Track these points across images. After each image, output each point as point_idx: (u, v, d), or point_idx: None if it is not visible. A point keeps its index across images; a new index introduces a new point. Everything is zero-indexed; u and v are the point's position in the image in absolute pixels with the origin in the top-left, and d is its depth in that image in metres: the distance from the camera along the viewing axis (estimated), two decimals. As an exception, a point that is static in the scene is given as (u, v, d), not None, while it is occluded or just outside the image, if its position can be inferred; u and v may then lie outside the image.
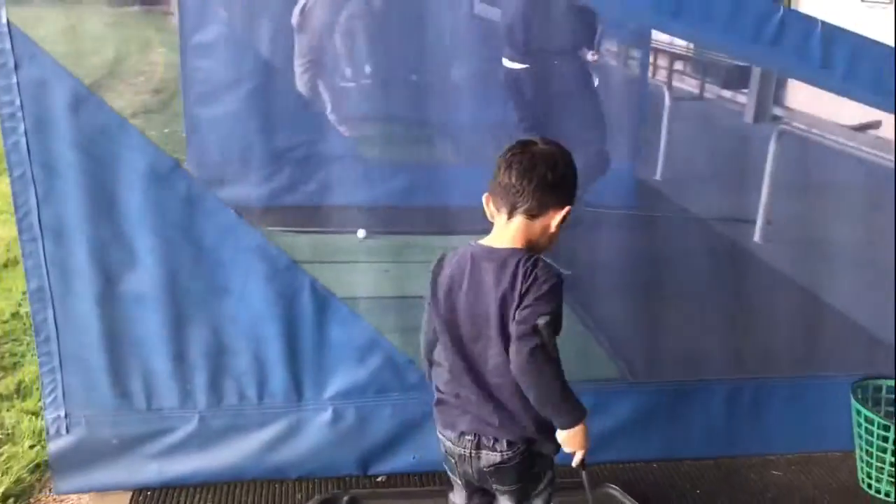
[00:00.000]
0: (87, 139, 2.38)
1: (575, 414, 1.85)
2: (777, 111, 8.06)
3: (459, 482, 2.05)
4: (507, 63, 4.52)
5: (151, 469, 2.71)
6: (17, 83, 2.30)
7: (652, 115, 6.13)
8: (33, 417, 3.20)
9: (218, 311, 2.60)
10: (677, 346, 3.35)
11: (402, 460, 2.83)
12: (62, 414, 2.61)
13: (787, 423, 2.99)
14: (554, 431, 1.90)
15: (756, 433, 2.99)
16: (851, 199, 4.56)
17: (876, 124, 6.46)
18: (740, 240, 4.91)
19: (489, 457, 1.92)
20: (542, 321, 1.78)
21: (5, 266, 4.83)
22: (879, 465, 2.74)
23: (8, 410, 3.28)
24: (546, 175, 1.82)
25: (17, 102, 2.32)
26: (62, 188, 2.41)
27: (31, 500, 2.78)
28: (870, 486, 2.81)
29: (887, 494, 2.77)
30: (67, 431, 2.63)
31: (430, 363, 2.02)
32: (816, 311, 3.70)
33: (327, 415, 2.75)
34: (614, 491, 2.75)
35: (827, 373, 3.06)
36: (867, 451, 2.76)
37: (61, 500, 2.74)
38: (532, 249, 1.86)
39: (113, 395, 2.62)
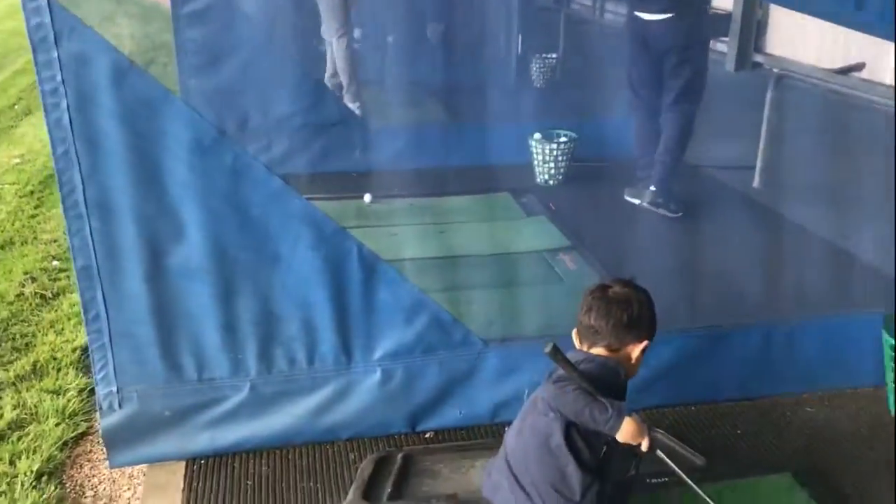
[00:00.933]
0: (131, 112, 2.34)
1: (613, 411, 1.96)
2: (758, 58, 8.10)
3: None
4: (643, 15, 4.45)
5: (204, 438, 2.73)
6: (58, 57, 2.25)
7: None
8: (54, 396, 3.20)
9: (266, 280, 2.61)
10: (704, 293, 3.42)
11: (449, 416, 2.88)
12: (114, 389, 2.61)
13: (819, 362, 3.09)
14: None
15: (790, 373, 3.08)
16: (851, 142, 4.65)
17: (859, 67, 6.53)
18: (740, 186, 4.98)
19: None
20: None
21: (2, 248, 4.76)
22: (912, 396, 2.84)
23: (28, 391, 3.26)
24: (622, 317, 2.07)
25: (59, 78, 2.27)
26: (106, 163, 2.38)
27: (64, 478, 2.80)
28: (902, 417, 2.92)
29: (919, 424, 2.89)
30: (120, 406, 2.64)
31: None
32: (829, 252, 3.80)
33: (376, 376, 2.78)
34: (658, 434, 2.82)
35: (856, 310, 3.15)
36: (900, 383, 2.86)
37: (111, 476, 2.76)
38: None
39: (163, 368, 2.62)
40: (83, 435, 3.12)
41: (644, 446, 2.03)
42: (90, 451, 3.02)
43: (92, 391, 3.45)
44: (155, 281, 2.51)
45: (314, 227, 2.59)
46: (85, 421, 3.20)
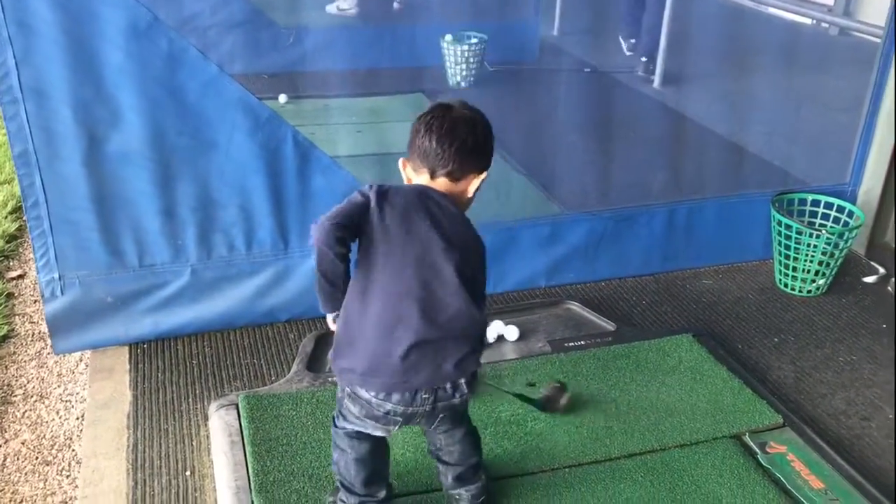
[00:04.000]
0: (64, -5, 2.34)
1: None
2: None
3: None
4: None
5: (147, 323, 2.82)
6: (-14, -63, 2.21)
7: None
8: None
9: (204, 166, 2.67)
10: (613, 181, 3.67)
11: (382, 296, 3.05)
12: (56, 276, 2.66)
13: (714, 239, 3.40)
14: None
15: (688, 250, 3.39)
16: (743, 47, 4.97)
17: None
18: (641, 87, 5.24)
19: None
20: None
21: None
22: (794, 266, 3.19)
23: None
24: (468, 140, 1.80)
25: (-13, -41, 2.24)
26: (40, 47, 2.37)
27: None
28: (785, 284, 3.28)
29: (800, 290, 3.25)
30: (62, 293, 2.68)
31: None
32: (723, 144, 4.12)
33: (313, 260, 2.90)
34: (574, 306, 3.09)
35: (747, 192, 3.46)
36: (785, 255, 3.20)
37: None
38: None
39: (105, 254, 2.68)
40: (4, 338, 3.15)
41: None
42: (14, 353, 3.07)
43: (10, 295, 3.47)
44: (94, 166, 2.54)
45: (250, 114, 2.65)
46: (6, 324, 3.23)
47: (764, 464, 2.28)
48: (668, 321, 3.08)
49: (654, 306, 3.18)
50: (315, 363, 2.72)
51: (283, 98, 4.57)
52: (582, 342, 2.83)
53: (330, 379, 2.59)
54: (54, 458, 2.53)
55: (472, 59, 4.91)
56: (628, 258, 3.35)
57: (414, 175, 1.86)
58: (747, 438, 2.37)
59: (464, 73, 4.92)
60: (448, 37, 4.96)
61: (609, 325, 2.96)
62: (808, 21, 5.95)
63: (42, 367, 2.98)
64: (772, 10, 5.85)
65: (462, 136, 1.80)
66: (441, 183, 1.83)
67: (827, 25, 6.07)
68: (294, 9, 5.37)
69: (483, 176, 1.86)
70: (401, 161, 1.89)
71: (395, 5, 5.27)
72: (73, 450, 2.55)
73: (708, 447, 2.33)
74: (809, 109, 4.56)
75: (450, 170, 1.80)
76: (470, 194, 1.86)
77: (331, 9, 5.33)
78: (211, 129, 2.63)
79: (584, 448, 2.31)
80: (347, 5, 5.29)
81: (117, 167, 2.58)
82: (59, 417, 2.71)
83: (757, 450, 2.32)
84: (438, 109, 1.84)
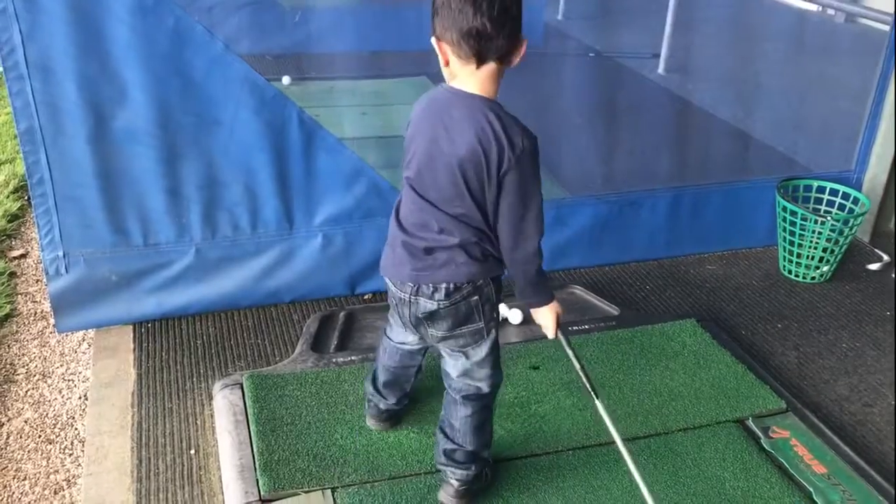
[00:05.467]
0: (70, -30, 2.32)
1: (547, 294, 1.90)
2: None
3: None
4: None
5: (150, 302, 2.82)
6: (-6, -88, 2.19)
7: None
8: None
9: (209, 144, 2.66)
10: (617, 165, 3.66)
11: (386, 279, 3.05)
12: (60, 254, 2.65)
13: (718, 225, 3.40)
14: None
15: (693, 235, 3.38)
16: (749, 32, 4.95)
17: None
18: (646, 72, 5.22)
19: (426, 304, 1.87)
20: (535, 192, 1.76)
21: None
22: (798, 252, 3.19)
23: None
24: (513, 6, 1.65)
25: (-6, -66, 2.22)
26: (46, 23, 2.35)
27: None
28: (790, 271, 3.27)
29: (804, 277, 3.25)
30: (66, 271, 2.68)
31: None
32: (728, 130, 4.10)
33: (317, 240, 2.91)
34: (578, 290, 3.09)
35: (752, 178, 3.45)
36: (789, 241, 3.20)
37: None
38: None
39: (110, 232, 2.67)
40: (7, 317, 3.16)
41: (549, 335, 1.97)
42: (16, 332, 3.07)
43: (13, 274, 3.46)
44: (99, 144, 2.53)
45: (255, 92, 2.64)
46: (9, 303, 3.23)
47: (767, 448, 2.28)
48: (671, 306, 3.08)
49: (658, 291, 3.18)
50: (319, 343, 2.72)
51: (286, 80, 4.54)
52: (586, 326, 2.83)
53: (334, 360, 2.59)
54: (57, 436, 2.53)
55: (477, 42, 4.87)
56: (632, 243, 3.34)
57: (456, 64, 1.69)
58: (750, 423, 2.37)
59: (469, 56, 4.89)
60: (453, 19, 4.93)
61: (613, 310, 2.96)
62: (813, 7, 5.91)
63: (44, 346, 2.98)
64: (778, -3, 5.81)
65: (507, 5, 1.64)
66: (490, 69, 1.69)
67: (833, 12, 6.04)
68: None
69: (525, 45, 1.71)
70: (444, 67, 1.74)
71: None
72: (76, 429, 2.56)
73: (711, 431, 2.34)
74: (815, 96, 4.53)
75: (498, 53, 1.66)
76: (514, 65, 1.74)
77: None
78: (216, 107, 2.61)
79: (587, 431, 2.31)
80: None
81: (123, 145, 2.57)
82: (62, 396, 2.71)
83: (760, 434, 2.33)
84: None
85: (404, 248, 1.86)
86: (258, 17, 4.72)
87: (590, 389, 1.98)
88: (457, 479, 2.00)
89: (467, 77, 1.72)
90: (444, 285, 1.83)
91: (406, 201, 1.87)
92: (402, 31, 4.73)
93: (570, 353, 1.98)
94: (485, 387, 1.97)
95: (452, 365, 1.98)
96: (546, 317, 1.93)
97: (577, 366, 1.97)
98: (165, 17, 2.46)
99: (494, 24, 1.63)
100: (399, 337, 2.13)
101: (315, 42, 4.62)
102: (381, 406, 2.25)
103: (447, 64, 1.73)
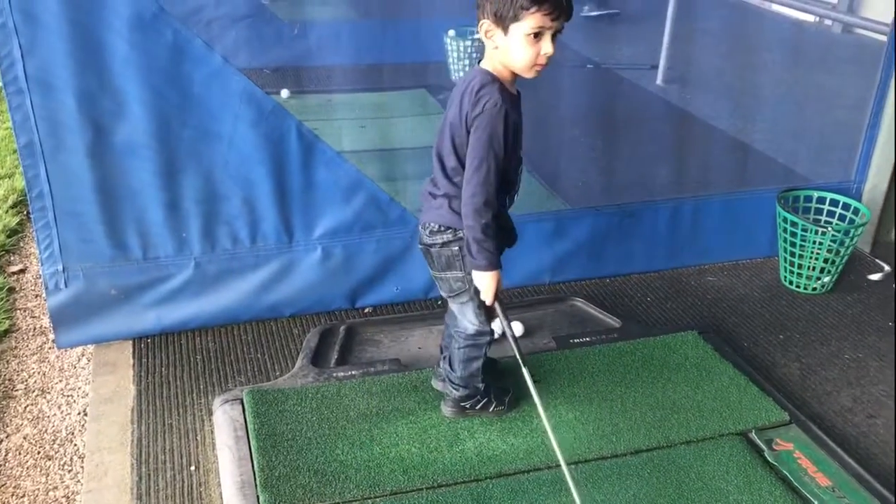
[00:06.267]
0: (69, -15, 2.32)
1: (488, 260, 2.06)
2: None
3: None
4: None
5: (150, 317, 2.81)
6: (-8, -72, 2.20)
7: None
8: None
9: (208, 158, 2.66)
10: (617, 177, 3.66)
11: (386, 291, 3.04)
12: (60, 268, 2.64)
13: (719, 236, 3.39)
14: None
15: (693, 246, 3.38)
16: (746, 43, 4.96)
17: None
18: (644, 83, 5.23)
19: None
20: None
21: None
22: (799, 263, 3.18)
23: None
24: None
25: (-7, -50, 2.22)
26: (45, 38, 2.36)
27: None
28: (791, 282, 3.27)
29: (805, 288, 3.24)
30: (66, 285, 2.67)
31: None
32: (727, 141, 4.10)
33: (317, 253, 2.90)
34: (579, 302, 3.08)
35: (752, 189, 3.45)
36: (790, 252, 3.19)
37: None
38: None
39: (109, 246, 2.67)
40: (6, 333, 3.14)
41: (486, 301, 2.13)
42: (15, 348, 3.06)
43: (11, 290, 3.45)
44: (98, 158, 2.53)
45: (254, 105, 2.64)
46: (7, 319, 3.21)
47: (770, 461, 2.27)
48: (673, 318, 3.07)
49: (660, 303, 3.17)
50: (320, 358, 2.70)
51: (285, 93, 4.54)
52: (587, 339, 2.82)
53: (334, 374, 2.58)
54: (56, 452, 2.51)
55: (475, 55, 4.87)
56: (633, 254, 3.34)
57: (484, 30, 2.01)
58: (753, 435, 2.36)
59: (467, 68, 4.89)
60: (451, 32, 4.94)
61: (614, 322, 2.95)
62: (811, 18, 5.93)
63: (43, 361, 2.97)
64: (775, 7, 5.83)
65: None
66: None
67: (830, 23, 6.06)
68: (297, 3, 5.36)
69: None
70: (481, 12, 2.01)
71: None
72: (75, 444, 2.54)
73: (714, 444, 2.32)
74: (814, 107, 4.53)
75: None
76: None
77: None
78: (215, 120, 2.62)
79: (590, 445, 2.30)
80: None
81: (122, 158, 2.57)
82: (61, 412, 2.69)
83: (763, 447, 2.31)
84: None
85: (423, 194, 2.21)
86: (256, 31, 4.73)
87: (520, 361, 2.14)
88: (450, 397, 2.38)
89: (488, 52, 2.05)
90: (430, 224, 2.16)
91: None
92: (400, 43, 4.75)
93: (504, 323, 2.16)
94: (469, 328, 2.27)
95: (451, 306, 2.32)
96: (485, 281, 2.10)
97: (509, 334, 2.16)
98: (164, 31, 2.46)
99: None
100: None
101: (314, 55, 4.62)
102: (441, 365, 2.44)
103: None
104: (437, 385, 2.48)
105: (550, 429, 2.06)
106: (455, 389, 2.37)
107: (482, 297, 2.13)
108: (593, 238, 3.25)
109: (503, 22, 1.93)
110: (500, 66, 2.02)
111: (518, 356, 2.13)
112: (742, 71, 4.88)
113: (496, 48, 1.99)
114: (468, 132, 2.01)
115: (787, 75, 4.74)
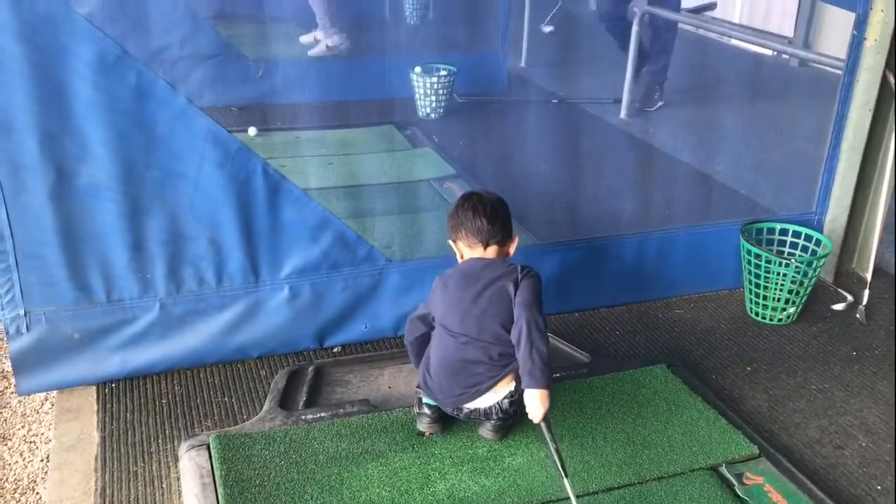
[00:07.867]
0: (31, 29, 2.30)
1: (545, 377, 2.27)
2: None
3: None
4: None
5: (114, 361, 2.76)
6: (-47, -28, 2.18)
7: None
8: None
9: (173, 199, 2.63)
10: (583, 211, 3.69)
11: (355, 330, 3.03)
12: (21, 312, 2.59)
13: (685, 268, 3.42)
14: None
15: (660, 279, 3.40)
16: (707, 76, 5.07)
17: (712, 6, 6.98)
18: (608, 117, 5.30)
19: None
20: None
21: None
22: (764, 294, 3.22)
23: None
24: (506, 213, 2.41)
25: (-47, -7, 2.20)
26: (7, 80, 2.33)
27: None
28: (756, 313, 3.30)
29: (770, 319, 3.27)
30: (28, 330, 2.62)
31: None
32: (690, 174, 4.17)
33: (284, 293, 2.87)
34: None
35: (716, 222, 3.49)
36: (755, 283, 3.23)
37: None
38: None
39: (72, 289, 2.62)
40: (-35, 379, 3.08)
41: (534, 420, 2.24)
42: (-26, 393, 2.99)
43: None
44: (61, 200, 2.50)
45: (219, 146, 2.63)
46: (-34, 365, 3.15)
47: (741, 495, 2.27)
48: (642, 351, 3.08)
49: (628, 336, 3.18)
50: (288, 400, 2.67)
51: (252, 131, 4.54)
52: (557, 374, 2.81)
53: (303, 417, 2.55)
54: (17, 501, 2.45)
55: (441, 91, 4.93)
56: (601, 288, 3.35)
57: (468, 251, 2.39)
58: (724, 470, 2.37)
59: (433, 104, 4.94)
60: (417, 69, 4.98)
61: (583, 357, 2.96)
62: (768, 52, 6.08)
63: (5, 407, 2.90)
64: (734, 42, 5.97)
65: (502, 212, 2.39)
66: (492, 251, 2.37)
67: (787, 57, 6.21)
68: (263, 42, 5.37)
69: (517, 240, 2.44)
70: (450, 243, 2.45)
71: None
72: (38, 493, 2.48)
73: (685, 479, 2.32)
74: (775, 139, 4.64)
75: (499, 240, 2.37)
76: (510, 255, 2.44)
77: (312, 51, 5.30)
78: (180, 161, 2.59)
79: (561, 483, 2.28)
80: (335, 41, 5.27)
81: (85, 201, 2.53)
82: (23, 459, 2.63)
83: (734, 481, 2.32)
84: (475, 197, 2.40)
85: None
86: (222, 71, 4.74)
87: (562, 473, 2.13)
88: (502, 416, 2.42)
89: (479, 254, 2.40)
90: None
91: None
92: (367, 81, 4.78)
93: (548, 440, 2.20)
94: None
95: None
96: (542, 400, 2.23)
97: (553, 448, 2.16)
98: (127, 73, 2.45)
99: (496, 223, 2.38)
100: None
101: (280, 93, 4.64)
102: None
103: (461, 257, 2.44)
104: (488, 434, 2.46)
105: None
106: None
107: (531, 416, 2.24)
108: (561, 272, 3.26)
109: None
110: None
111: (561, 469, 2.14)
112: (704, 104, 4.99)
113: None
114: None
115: (748, 108, 4.84)
